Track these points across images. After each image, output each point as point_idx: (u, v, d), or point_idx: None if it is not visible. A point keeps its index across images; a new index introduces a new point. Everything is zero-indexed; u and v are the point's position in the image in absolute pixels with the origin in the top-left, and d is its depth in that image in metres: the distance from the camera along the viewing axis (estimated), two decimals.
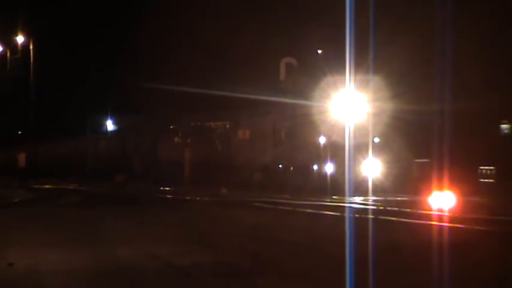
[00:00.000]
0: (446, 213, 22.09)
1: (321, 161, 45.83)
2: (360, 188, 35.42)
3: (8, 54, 56.75)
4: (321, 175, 44.94)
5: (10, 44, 56.45)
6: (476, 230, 17.37)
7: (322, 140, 45.03)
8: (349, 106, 35.67)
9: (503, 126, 42.19)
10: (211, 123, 57.67)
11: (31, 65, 54.47)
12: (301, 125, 46.55)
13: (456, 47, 35.53)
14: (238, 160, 51.67)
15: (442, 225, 17.95)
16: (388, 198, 32.77)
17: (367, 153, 38.29)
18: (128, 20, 71.45)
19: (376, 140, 41.63)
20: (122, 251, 13.28)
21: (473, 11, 38.21)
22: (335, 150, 41.96)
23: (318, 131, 44.48)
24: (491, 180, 40.27)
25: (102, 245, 13.98)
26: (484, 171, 41.02)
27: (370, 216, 20.80)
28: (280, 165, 49.92)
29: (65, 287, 10.03)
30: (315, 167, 47.17)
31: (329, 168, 43.81)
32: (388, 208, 25.33)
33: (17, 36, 54.94)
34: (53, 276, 10.62)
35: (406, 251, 12.75)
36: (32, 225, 19.15)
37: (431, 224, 18.37)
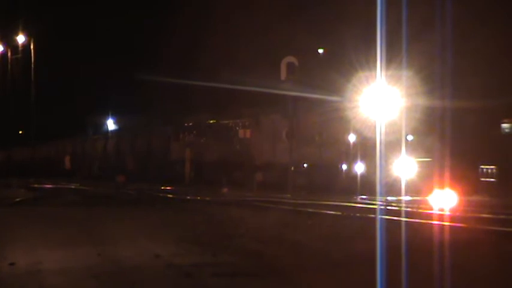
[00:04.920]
0: (449, 213, 22.13)
1: (350, 160, 44.95)
2: (392, 188, 34.52)
3: (9, 54, 56.80)
4: (350, 175, 44.02)
5: (11, 44, 56.50)
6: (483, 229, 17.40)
7: (351, 138, 44.06)
8: (380, 102, 34.80)
9: (505, 125, 42.18)
10: (229, 121, 56.17)
11: (32, 65, 54.52)
12: (328, 122, 45.74)
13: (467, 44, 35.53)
14: (257, 160, 51.04)
15: (447, 225, 17.95)
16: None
17: (400, 152, 37.41)
18: (131, 17, 71.62)
19: (410, 137, 40.86)
20: (123, 250, 13.30)
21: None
22: (365, 149, 41.25)
23: (347, 128, 43.64)
24: (492, 179, 40.27)
25: (104, 245, 14.00)
26: (485, 170, 41.02)
27: (379, 215, 20.77)
28: (305, 165, 49.00)
29: (66, 286, 10.05)
30: (344, 167, 46.12)
31: (359, 167, 42.77)
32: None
33: (17, 36, 54.99)
34: (54, 275, 10.64)
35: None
36: (33, 224, 19.17)
37: (438, 224, 18.35)
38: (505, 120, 42.04)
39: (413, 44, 31.23)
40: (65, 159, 61.85)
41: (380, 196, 28.32)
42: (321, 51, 51.14)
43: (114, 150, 70.26)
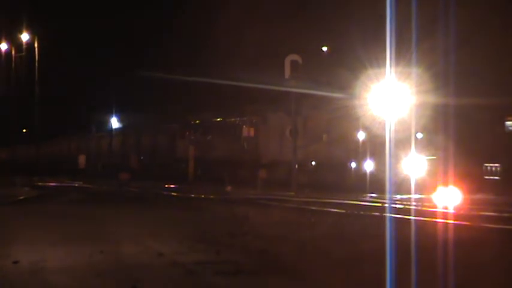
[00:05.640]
0: (454, 211, 22.11)
1: (359, 158, 44.59)
2: (400, 186, 34.08)
3: (13, 53, 56.85)
4: (359, 173, 43.63)
5: (15, 42, 56.55)
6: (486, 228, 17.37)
7: (361, 135, 43.71)
8: (389, 99, 34.45)
9: (509, 123, 42.11)
10: (236, 119, 55.38)
11: (36, 63, 54.55)
12: (336, 119, 45.42)
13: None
14: (262, 158, 50.83)
15: (454, 223, 17.92)
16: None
17: (409, 150, 37.07)
18: (135, 14, 71.66)
19: (419, 135, 40.57)
20: (127, 248, 13.29)
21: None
22: (374, 147, 40.94)
23: (356, 125, 43.32)
24: (496, 177, 40.19)
25: (107, 243, 13.99)
26: (489, 168, 40.94)
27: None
28: (313, 162, 48.68)
29: (70, 284, 10.05)
30: (353, 164, 45.72)
31: (368, 165, 42.42)
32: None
33: (21, 34, 55.01)
34: (58, 273, 10.63)
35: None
36: (37, 222, 19.19)
37: (443, 222, 18.31)
38: (510, 118, 41.96)
39: (421, 40, 31.05)
40: (78, 158, 62.38)
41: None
42: (325, 49, 51.02)
43: (119, 148, 70.28)
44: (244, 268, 11.07)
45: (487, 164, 40.92)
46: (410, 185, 34.11)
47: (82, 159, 61.91)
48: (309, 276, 10.63)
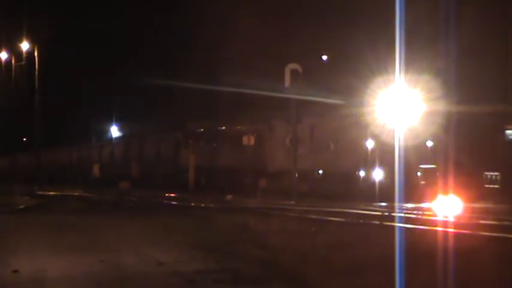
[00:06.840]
0: (454, 219, 22.09)
1: (368, 166, 44.21)
2: (410, 195, 33.61)
3: (13, 61, 56.92)
4: (368, 182, 43.24)
5: (15, 51, 56.60)
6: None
7: (369, 143, 43.29)
8: (399, 107, 34.16)
9: (509, 131, 42.12)
10: (241, 127, 54.96)
11: (36, 72, 54.57)
12: (345, 127, 45.12)
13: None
14: (263, 166, 50.66)
15: (449, 231, 17.92)
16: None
17: (419, 158, 36.74)
18: (136, 22, 71.76)
19: (429, 143, 40.29)
20: (127, 257, 13.28)
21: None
22: (383, 155, 40.54)
23: (364, 133, 42.98)
24: (496, 186, 40.18)
25: (107, 252, 13.99)
26: (489, 176, 40.93)
27: (381, 222, 20.73)
28: (320, 171, 48.42)
29: None
30: (362, 173, 45.35)
31: (377, 174, 42.07)
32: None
33: (21, 43, 55.05)
34: (57, 283, 10.64)
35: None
36: (37, 231, 19.17)
37: (443, 231, 18.31)
38: (509, 127, 41.98)
39: (429, 47, 30.98)
40: (93, 167, 62.86)
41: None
42: (325, 57, 51.03)
43: (121, 157, 70.26)
44: (243, 276, 11.08)
45: (487, 173, 40.92)
46: (419, 193, 33.96)
47: (96, 169, 62.30)
48: (309, 285, 10.63)
